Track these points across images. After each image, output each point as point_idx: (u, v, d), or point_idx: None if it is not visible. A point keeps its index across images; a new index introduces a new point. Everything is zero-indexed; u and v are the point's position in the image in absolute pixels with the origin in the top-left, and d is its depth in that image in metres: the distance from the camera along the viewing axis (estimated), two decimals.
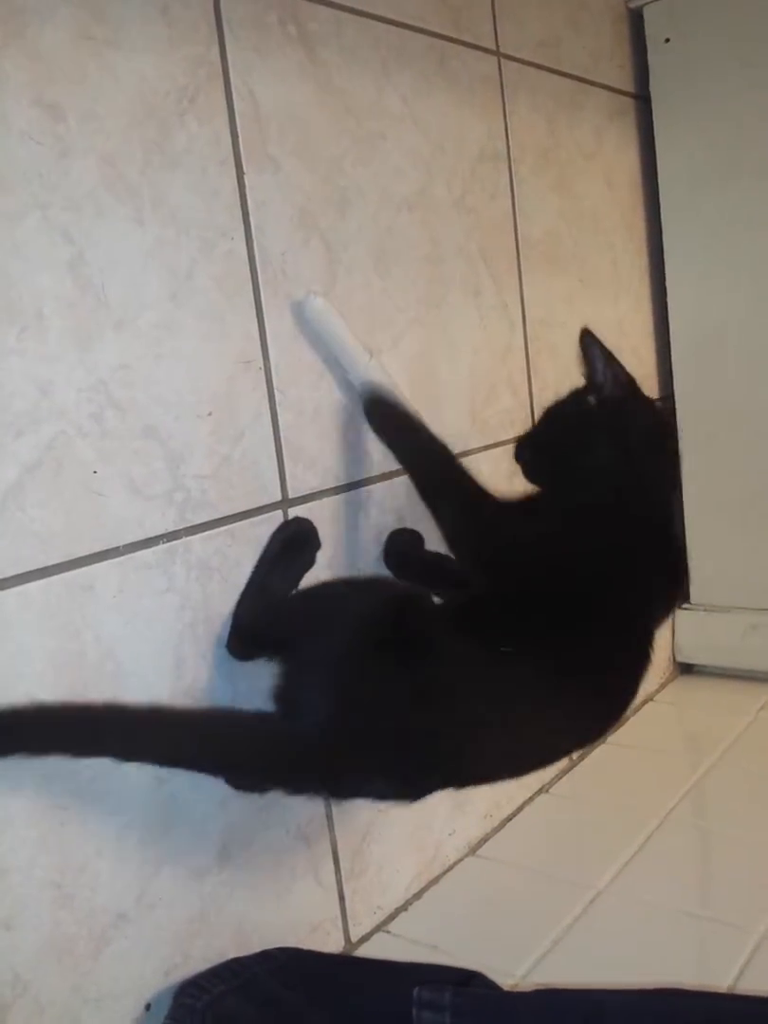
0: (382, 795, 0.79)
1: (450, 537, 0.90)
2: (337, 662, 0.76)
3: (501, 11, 1.16)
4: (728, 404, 1.45)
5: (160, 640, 0.79)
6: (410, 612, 0.81)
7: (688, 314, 1.46)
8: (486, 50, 1.14)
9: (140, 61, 0.77)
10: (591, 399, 0.91)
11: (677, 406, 1.47)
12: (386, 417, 0.92)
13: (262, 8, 0.87)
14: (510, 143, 1.17)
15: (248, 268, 0.86)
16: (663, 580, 0.91)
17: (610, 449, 0.89)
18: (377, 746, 0.72)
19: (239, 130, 0.85)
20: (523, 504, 0.92)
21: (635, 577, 0.85)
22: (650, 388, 1.47)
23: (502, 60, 1.16)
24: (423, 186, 1.04)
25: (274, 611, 0.85)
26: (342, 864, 0.97)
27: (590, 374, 0.92)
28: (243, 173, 0.85)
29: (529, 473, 0.96)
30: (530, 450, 0.97)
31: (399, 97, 1.01)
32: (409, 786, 0.77)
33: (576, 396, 0.94)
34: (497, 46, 1.16)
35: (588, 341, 0.91)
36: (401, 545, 1.01)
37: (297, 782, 0.75)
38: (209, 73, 0.83)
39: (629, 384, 0.92)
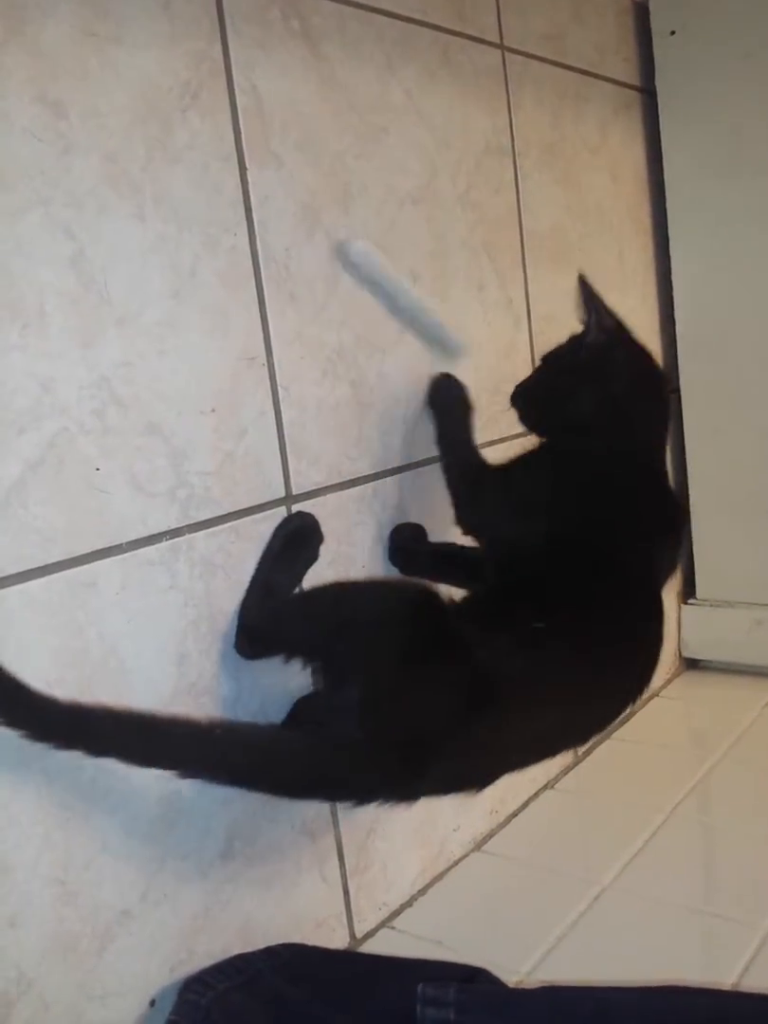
0: (448, 790, 0.79)
1: (456, 511, 0.95)
2: (376, 667, 0.76)
3: (505, 4, 1.16)
4: (734, 398, 1.44)
5: (163, 637, 0.79)
6: (433, 608, 0.81)
7: (694, 308, 1.46)
8: (490, 43, 1.14)
9: (142, 57, 0.77)
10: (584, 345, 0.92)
11: (682, 400, 1.47)
12: (440, 398, 1.00)
13: (265, 3, 0.87)
14: (515, 137, 1.17)
15: (251, 264, 0.86)
16: (661, 523, 0.91)
17: (593, 394, 0.90)
18: (438, 744, 0.73)
19: (242, 126, 0.85)
20: (518, 462, 0.95)
21: (631, 522, 0.86)
22: None
23: (506, 53, 1.16)
24: (427, 180, 1.04)
25: (281, 611, 0.85)
26: (347, 860, 0.97)
27: (585, 320, 0.92)
28: (246, 169, 0.85)
29: (523, 419, 0.98)
30: (524, 396, 0.98)
31: (403, 91, 1.01)
32: (475, 778, 0.78)
33: (572, 342, 0.94)
34: (501, 39, 1.15)
35: (581, 286, 0.92)
36: (405, 540, 1.01)
37: (359, 792, 0.75)
38: (211, 69, 0.82)
39: (615, 329, 0.92)
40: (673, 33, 1.41)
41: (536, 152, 1.20)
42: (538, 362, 1.00)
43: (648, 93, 1.43)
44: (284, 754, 0.74)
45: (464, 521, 0.95)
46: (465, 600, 0.89)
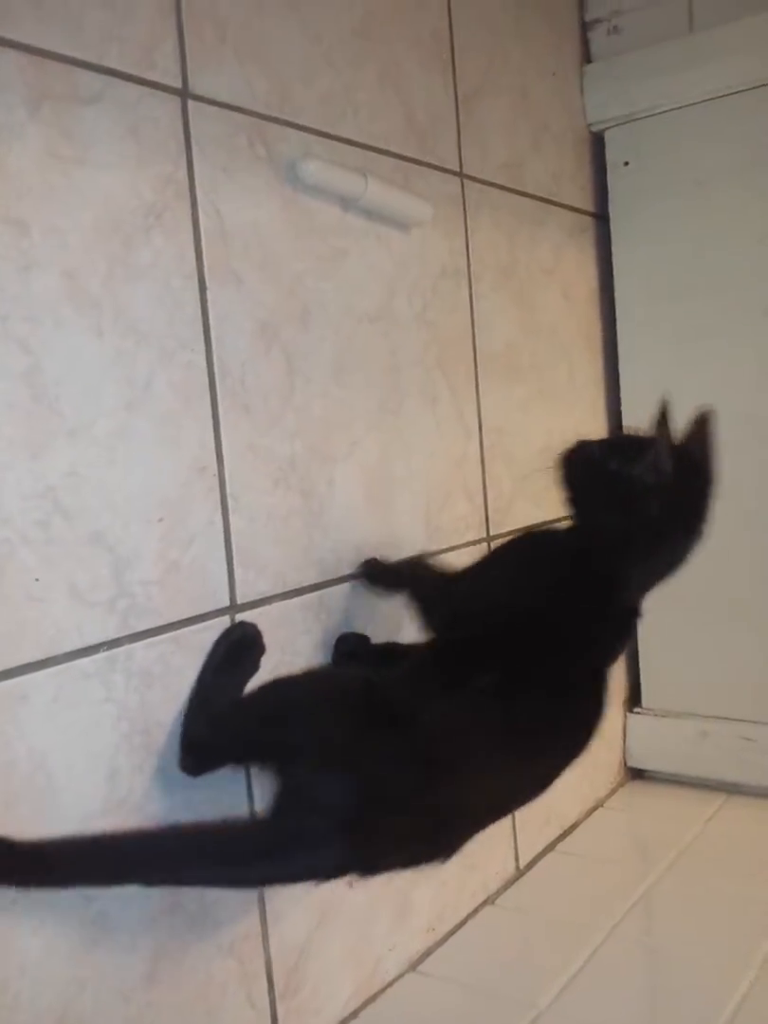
0: (416, 863, 0.78)
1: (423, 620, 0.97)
2: (331, 748, 0.77)
3: (466, 134, 1.21)
4: None
5: (95, 751, 0.77)
6: (371, 686, 0.83)
7: (642, 423, 1.49)
8: (450, 172, 1.19)
9: (108, 178, 0.79)
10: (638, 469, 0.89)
11: None
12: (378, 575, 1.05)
13: (232, 129, 0.91)
14: (471, 260, 1.21)
15: (207, 377, 0.87)
16: (609, 640, 0.92)
17: (614, 517, 0.90)
18: (403, 817, 0.74)
19: (204, 246, 0.87)
20: (489, 560, 1.00)
21: (585, 628, 0.88)
22: None
23: (465, 181, 1.21)
24: (384, 300, 1.07)
25: (221, 718, 0.85)
26: (276, 982, 0.94)
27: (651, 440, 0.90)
28: (206, 287, 0.87)
29: (561, 478, 0.95)
30: (573, 461, 0.95)
31: (363, 215, 1.04)
32: (439, 847, 0.78)
33: (633, 447, 0.90)
34: (461, 167, 1.20)
35: (660, 417, 0.90)
36: (350, 647, 1.02)
37: (325, 872, 0.75)
38: (176, 191, 0.85)
39: (666, 480, 0.87)
40: (627, 164, 1.48)
41: (491, 274, 1.25)
42: (609, 434, 0.97)
43: (601, 218, 1.49)
44: (242, 840, 0.75)
45: (433, 627, 0.96)
46: (406, 667, 0.90)
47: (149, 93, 0.83)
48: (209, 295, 0.87)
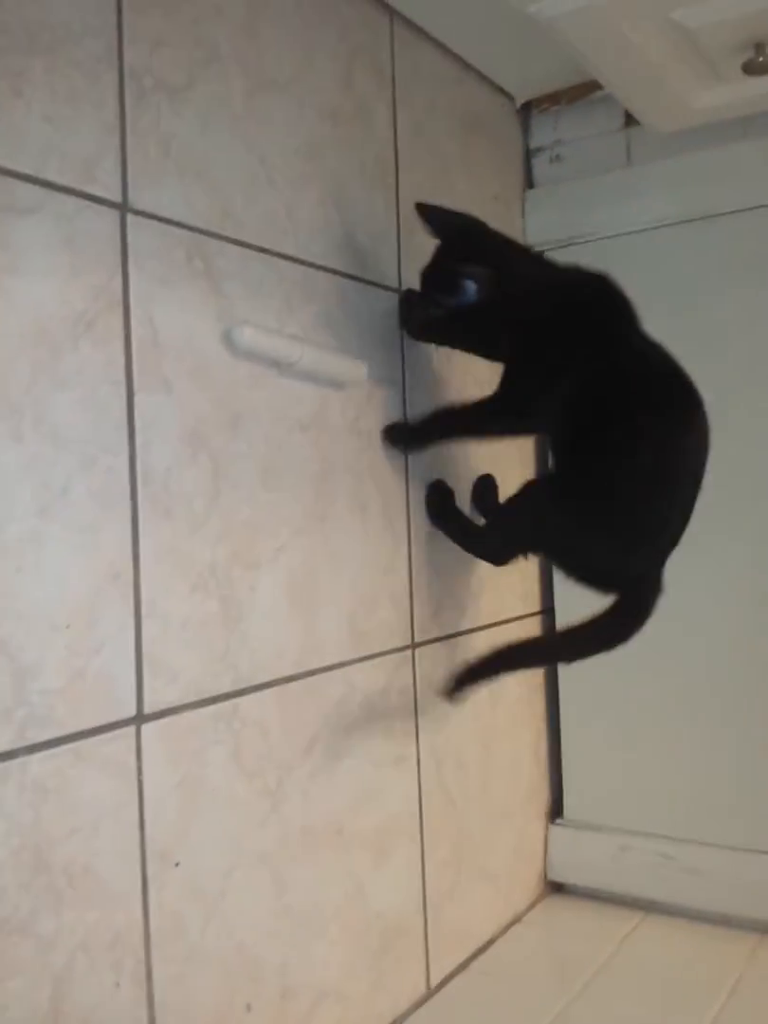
0: None
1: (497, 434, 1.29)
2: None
3: (406, 252, 1.25)
4: None
5: None
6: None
7: None
8: (389, 288, 1.22)
9: (38, 288, 0.80)
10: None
11: (557, 619, 1.51)
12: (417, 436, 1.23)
13: (170, 243, 0.93)
14: (406, 372, 1.24)
15: (128, 483, 0.87)
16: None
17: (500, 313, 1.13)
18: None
19: (134, 354, 0.88)
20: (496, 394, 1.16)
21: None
22: (530, 604, 1.51)
23: None
24: (317, 410, 1.09)
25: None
26: None
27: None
28: (134, 394, 0.88)
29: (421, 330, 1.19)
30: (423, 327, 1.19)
31: (299, 328, 1.07)
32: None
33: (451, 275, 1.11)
34: (400, 285, 1.24)
35: (429, 223, 1.13)
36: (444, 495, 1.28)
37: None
38: (109, 301, 0.86)
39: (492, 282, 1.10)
40: None
41: (427, 385, 1.27)
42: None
43: None
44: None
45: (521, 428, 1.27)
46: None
47: (87, 206, 0.85)
48: (137, 402, 0.88)
